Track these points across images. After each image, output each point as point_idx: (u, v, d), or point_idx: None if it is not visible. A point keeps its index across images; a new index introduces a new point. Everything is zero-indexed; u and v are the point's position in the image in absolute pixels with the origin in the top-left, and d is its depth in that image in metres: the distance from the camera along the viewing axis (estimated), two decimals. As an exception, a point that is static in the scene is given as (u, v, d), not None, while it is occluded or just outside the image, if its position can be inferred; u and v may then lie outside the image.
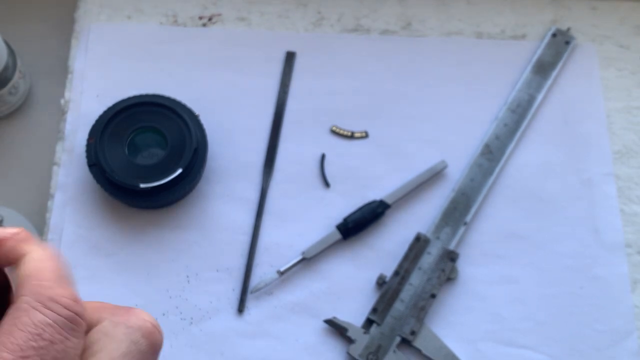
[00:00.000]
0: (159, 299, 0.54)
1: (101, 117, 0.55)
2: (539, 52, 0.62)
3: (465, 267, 0.55)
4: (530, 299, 0.55)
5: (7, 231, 0.28)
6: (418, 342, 0.52)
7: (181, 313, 0.54)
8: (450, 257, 0.54)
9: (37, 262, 0.27)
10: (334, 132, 0.59)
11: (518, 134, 0.59)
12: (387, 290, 0.54)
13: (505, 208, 0.57)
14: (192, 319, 0.54)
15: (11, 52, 0.57)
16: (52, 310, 0.25)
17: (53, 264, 0.27)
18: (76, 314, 0.26)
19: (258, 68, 0.61)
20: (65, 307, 0.26)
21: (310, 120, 0.60)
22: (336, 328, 0.53)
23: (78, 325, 0.26)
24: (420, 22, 0.63)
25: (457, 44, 0.63)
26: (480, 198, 0.56)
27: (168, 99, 0.56)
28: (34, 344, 0.24)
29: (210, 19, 0.63)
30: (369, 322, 0.53)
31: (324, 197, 0.57)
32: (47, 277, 0.26)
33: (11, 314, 0.25)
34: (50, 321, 0.25)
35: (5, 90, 0.57)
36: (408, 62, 0.62)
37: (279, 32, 0.63)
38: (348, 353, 0.52)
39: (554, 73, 0.61)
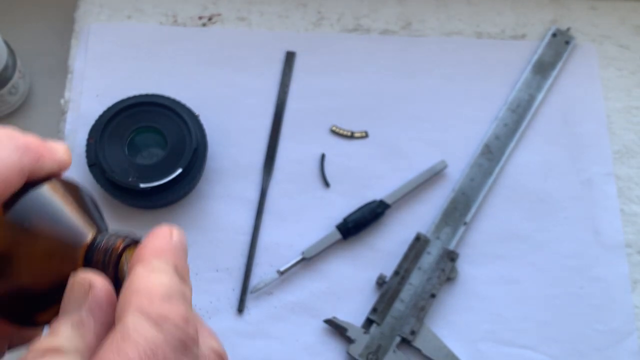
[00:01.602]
0: (159, 299, 0.54)
1: (101, 117, 0.55)
2: (539, 52, 0.62)
3: (465, 267, 0.55)
4: (530, 299, 0.55)
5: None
6: (418, 342, 0.52)
7: (181, 313, 0.54)
8: (450, 257, 0.54)
9: (149, 275, 0.24)
10: (334, 132, 0.59)
11: (518, 134, 0.59)
12: (387, 290, 0.54)
13: (505, 208, 0.57)
14: (192, 319, 0.53)
15: (11, 52, 0.57)
16: (163, 329, 0.23)
17: (166, 277, 0.24)
18: (187, 335, 0.24)
19: (258, 68, 0.61)
20: (176, 327, 0.23)
21: (310, 120, 0.60)
22: (336, 328, 0.53)
23: (188, 348, 0.23)
24: (420, 22, 0.63)
25: (457, 44, 0.63)
26: (480, 198, 0.56)
27: (168, 99, 0.56)
28: None
29: (210, 19, 0.63)
30: (369, 322, 0.53)
31: (324, 197, 0.57)
32: (157, 293, 0.24)
33: (119, 329, 0.23)
34: (162, 341, 0.22)
35: (5, 90, 0.57)
36: (408, 62, 0.62)
37: (279, 32, 0.63)
38: (348, 353, 0.52)
39: (554, 73, 0.61)
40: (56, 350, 0.23)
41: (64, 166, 0.27)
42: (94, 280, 0.25)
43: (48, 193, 0.26)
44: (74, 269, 0.26)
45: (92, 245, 0.27)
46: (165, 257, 0.25)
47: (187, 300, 0.25)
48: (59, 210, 0.26)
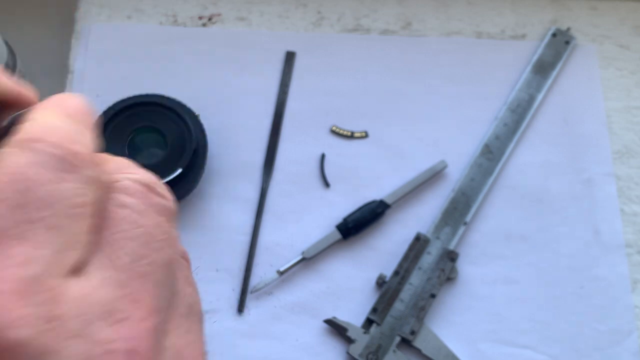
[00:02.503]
0: (159, 299, 0.54)
1: (101, 117, 0.55)
2: (539, 52, 0.62)
3: (465, 267, 0.55)
4: (530, 299, 0.55)
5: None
6: (418, 342, 0.52)
7: (181, 313, 0.54)
8: (450, 257, 0.54)
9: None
10: (334, 132, 0.59)
11: (518, 134, 0.59)
12: (387, 290, 0.54)
13: (505, 208, 0.57)
14: (192, 319, 0.53)
15: (11, 52, 0.57)
16: (36, 151, 0.20)
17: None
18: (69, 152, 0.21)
19: (258, 68, 0.61)
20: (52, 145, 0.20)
21: (310, 120, 0.60)
22: (336, 328, 0.53)
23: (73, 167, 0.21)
24: (420, 22, 0.63)
25: (457, 44, 0.63)
26: (480, 198, 0.56)
27: (168, 99, 0.56)
28: None
29: (210, 19, 0.63)
30: (369, 322, 0.53)
31: (323, 197, 0.57)
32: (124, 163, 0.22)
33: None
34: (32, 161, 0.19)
35: (5, 90, 0.57)
36: (408, 62, 0.62)
37: (279, 32, 0.63)
38: (348, 353, 0.52)
39: (554, 73, 0.61)
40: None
41: None
42: None
43: None
44: None
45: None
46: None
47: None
48: None
